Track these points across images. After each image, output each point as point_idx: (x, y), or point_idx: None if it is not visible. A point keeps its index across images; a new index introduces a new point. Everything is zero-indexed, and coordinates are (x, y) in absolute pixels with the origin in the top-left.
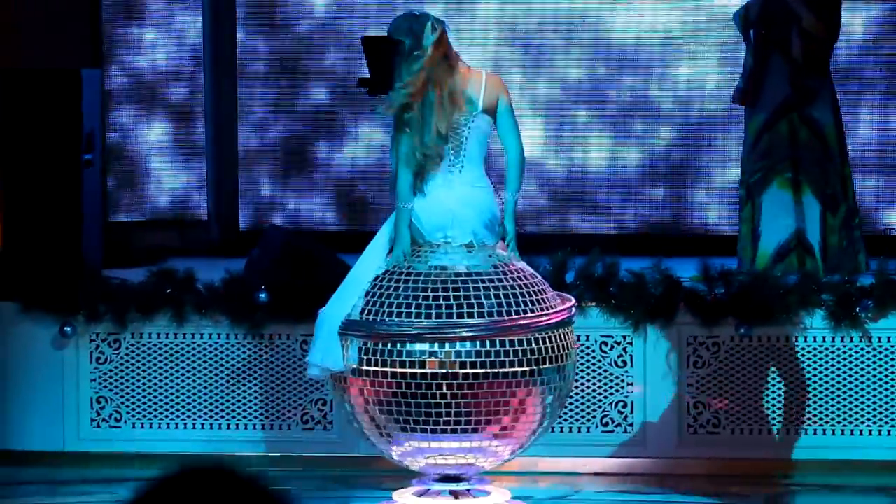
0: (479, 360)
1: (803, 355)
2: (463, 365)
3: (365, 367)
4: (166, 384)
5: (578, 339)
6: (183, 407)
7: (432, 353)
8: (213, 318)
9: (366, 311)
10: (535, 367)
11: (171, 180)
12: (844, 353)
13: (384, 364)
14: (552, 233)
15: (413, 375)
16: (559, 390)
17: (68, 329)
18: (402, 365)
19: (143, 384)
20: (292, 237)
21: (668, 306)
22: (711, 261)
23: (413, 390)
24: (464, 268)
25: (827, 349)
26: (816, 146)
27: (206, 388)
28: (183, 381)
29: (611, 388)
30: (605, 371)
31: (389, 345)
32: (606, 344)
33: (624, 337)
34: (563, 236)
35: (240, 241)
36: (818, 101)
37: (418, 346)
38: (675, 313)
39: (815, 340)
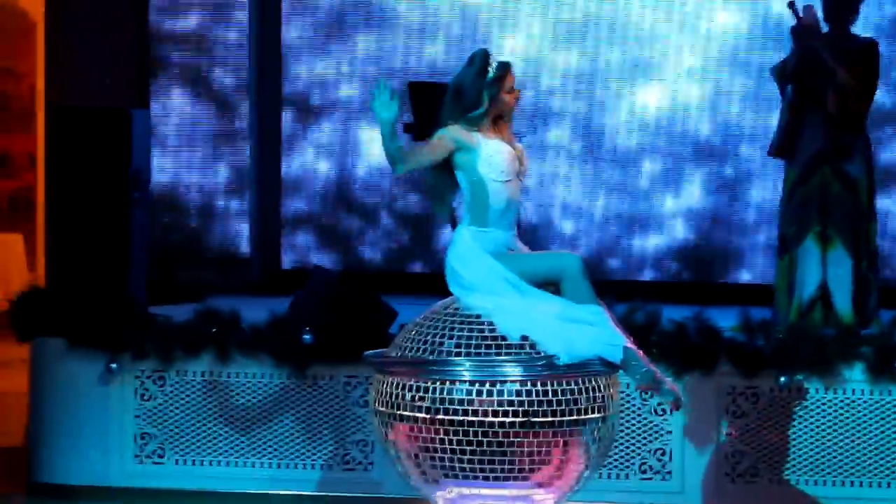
0: (523, 408)
1: (842, 407)
2: (507, 413)
3: (410, 413)
4: (209, 422)
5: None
6: (225, 445)
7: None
8: (257, 358)
9: (408, 350)
10: (580, 416)
11: (215, 218)
12: (883, 405)
13: (430, 410)
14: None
15: (460, 422)
16: (604, 439)
17: (114, 366)
18: (448, 411)
19: (187, 421)
20: (338, 279)
21: (709, 356)
22: (753, 311)
23: (459, 437)
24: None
25: (865, 402)
26: (848, 199)
27: (248, 426)
28: (226, 419)
29: (650, 435)
30: (645, 419)
31: (433, 390)
32: (646, 392)
33: None
34: (605, 283)
35: (281, 281)
36: (852, 157)
37: (465, 391)
38: (715, 363)
39: (853, 393)
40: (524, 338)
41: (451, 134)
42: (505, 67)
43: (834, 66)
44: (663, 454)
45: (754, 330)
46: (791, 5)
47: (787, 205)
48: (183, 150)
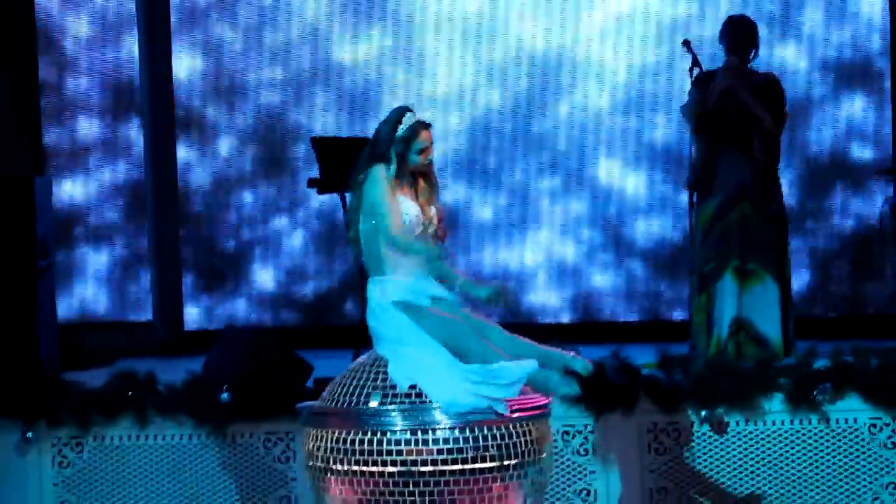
0: (459, 455)
1: (763, 439)
2: (445, 461)
3: (343, 467)
4: (130, 486)
5: None
6: None
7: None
8: (176, 420)
9: (339, 402)
10: (514, 461)
11: (116, 282)
12: (803, 435)
13: (365, 462)
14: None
15: (391, 474)
16: (538, 483)
17: (30, 434)
18: (384, 463)
19: (107, 487)
20: (251, 336)
21: (629, 395)
22: (670, 347)
23: (391, 488)
24: None
25: (786, 432)
26: (772, 230)
27: (170, 489)
28: (147, 482)
29: (574, 476)
30: (568, 460)
31: (368, 441)
32: (568, 433)
33: (585, 426)
34: (522, 326)
35: (186, 341)
36: (774, 195)
37: (396, 439)
38: (635, 401)
39: (773, 424)
40: (412, 386)
41: (380, 172)
42: (415, 127)
43: (759, 113)
44: (588, 494)
45: (673, 366)
46: (686, 43)
47: (705, 241)
48: (82, 213)
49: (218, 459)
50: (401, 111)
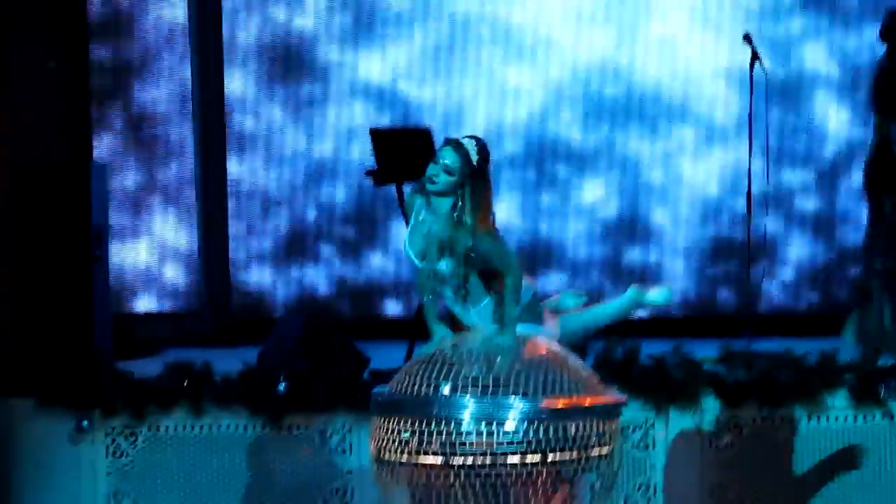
0: (528, 448)
1: (826, 435)
2: (514, 454)
3: (411, 457)
4: (184, 477)
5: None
6: (201, 500)
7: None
8: (231, 410)
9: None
10: (584, 455)
11: (164, 271)
12: (866, 432)
13: (434, 452)
14: None
15: (461, 465)
16: (607, 480)
17: (85, 423)
18: (453, 454)
19: (161, 477)
20: (310, 323)
21: (690, 390)
22: (732, 342)
23: (461, 479)
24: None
25: (849, 429)
26: None
27: (224, 480)
28: (201, 473)
29: (634, 470)
30: (628, 454)
31: (437, 432)
32: (628, 427)
33: (646, 420)
34: None
35: (233, 331)
36: None
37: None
38: (697, 397)
39: (836, 420)
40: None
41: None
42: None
43: None
44: (647, 489)
45: (735, 361)
46: (747, 38)
47: None
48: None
49: (273, 450)
50: None
